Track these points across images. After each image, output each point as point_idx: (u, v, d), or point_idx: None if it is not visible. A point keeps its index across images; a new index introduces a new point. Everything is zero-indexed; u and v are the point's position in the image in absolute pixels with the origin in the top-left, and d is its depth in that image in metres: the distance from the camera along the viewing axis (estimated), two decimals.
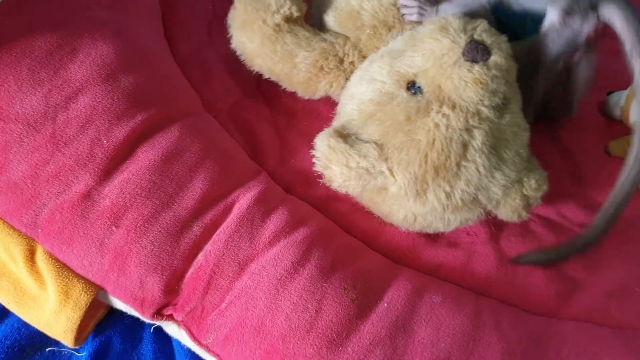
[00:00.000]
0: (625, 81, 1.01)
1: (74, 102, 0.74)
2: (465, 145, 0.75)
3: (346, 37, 0.90)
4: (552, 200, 0.90)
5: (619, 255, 0.86)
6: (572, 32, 0.83)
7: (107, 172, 0.73)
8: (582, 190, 0.94)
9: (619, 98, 1.02)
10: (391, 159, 0.76)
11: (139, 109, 0.77)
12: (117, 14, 0.85)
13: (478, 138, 0.75)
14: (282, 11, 0.86)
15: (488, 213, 0.81)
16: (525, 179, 0.79)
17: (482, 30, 0.77)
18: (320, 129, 0.81)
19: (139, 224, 0.71)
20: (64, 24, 0.78)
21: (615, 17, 0.81)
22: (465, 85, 0.75)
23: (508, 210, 0.80)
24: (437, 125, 0.75)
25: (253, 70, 0.92)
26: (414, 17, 0.87)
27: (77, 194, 0.71)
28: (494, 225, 0.85)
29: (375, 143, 0.77)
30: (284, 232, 0.75)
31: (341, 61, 0.89)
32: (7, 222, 0.72)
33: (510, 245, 0.84)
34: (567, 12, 0.82)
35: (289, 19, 0.87)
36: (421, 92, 0.77)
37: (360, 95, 0.81)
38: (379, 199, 0.80)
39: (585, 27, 0.83)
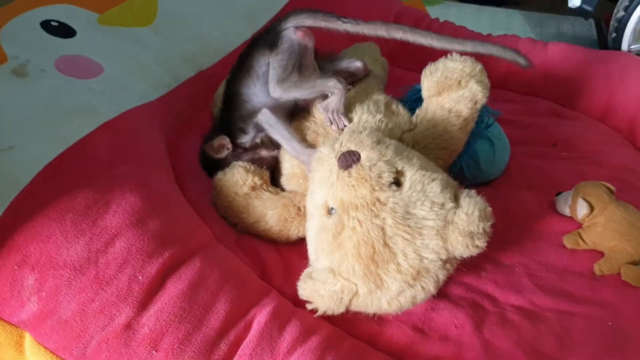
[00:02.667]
0: (570, 183, 1.19)
1: (111, 247, 0.87)
2: (382, 228, 0.89)
3: (297, 191, 1.10)
4: (522, 290, 1.03)
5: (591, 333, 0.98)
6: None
7: (144, 303, 0.85)
8: (547, 278, 1.07)
9: (566, 197, 1.17)
10: (342, 272, 0.90)
11: (165, 247, 0.90)
12: (137, 168, 1.00)
13: (388, 217, 0.88)
14: (247, 183, 1.07)
15: (451, 261, 0.93)
16: (455, 217, 0.89)
17: (345, 142, 0.93)
18: None
19: (175, 347, 0.83)
20: (97, 181, 0.93)
21: None
22: (354, 187, 0.90)
23: (460, 249, 0.89)
24: (353, 229, 0.89)
25: None
26: (342, 124, 1.07)
27: (119, 325, 0.83)
28: (476, 317, 0.98)
29: (328, 267, 0.91)
30: (299, 342, 0.86)
31: (299, 209, 1.07)
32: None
33: (493, 334, 0.95)
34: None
35: (254, 188, 1.08)
36: (335, 211, 0.92)
37: (308, 238, 0.99)
38: (364, 303, 0.92)
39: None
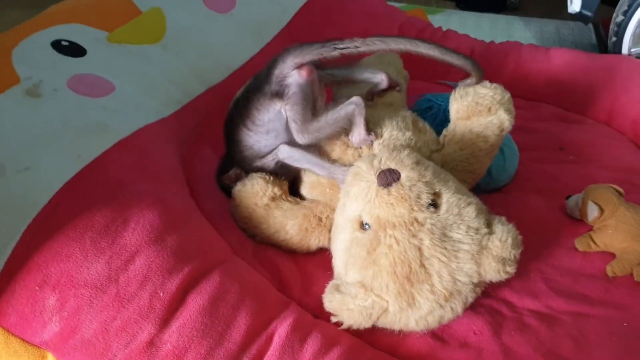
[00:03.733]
0: (578, 186, 1.20)
1: (131, 264, 0.87)
2: (419, 248, 0.89)
3: (318, 201, 1.10)
4: (538, 295, 1.04)
5: (607, 335, 0.98)
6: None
7: (165, 320, 0.85)
8: (561, 281, 1.07)
9: (576, 200, 1.18)
10: (374, 288, 0.90)
11: (184, 263, 0.90)
12: (153, 184, 1.01)
13: (425, 238, 0.89)
14: (267, 194, 1.08)
15: (480, 284, 0.94)
16: (489, 243, 0.91)
17: (385, 159, 0.93)
18: None
19: None
20: (114, 199, 0.94)
21: None
22: (393, 206, 0.90)
23: (492, 274, 0.92)
24: (389, 247, 0.90)
25: None
26: (368, 142, 1.05)
27: (142, 342, 0.83)
28: (494, 323, 0.98)
29: (359, 282, 0.91)
30: (321, 354, 0.86)
31: (320, 219, 1.07)
32: None
33: (512, 339, 0.95)
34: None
35: (274, 198, 1.08)
36: (370, 227, 0.93)
37: (336, 250, 0.99)
38: (392, 320, 0.92)
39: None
